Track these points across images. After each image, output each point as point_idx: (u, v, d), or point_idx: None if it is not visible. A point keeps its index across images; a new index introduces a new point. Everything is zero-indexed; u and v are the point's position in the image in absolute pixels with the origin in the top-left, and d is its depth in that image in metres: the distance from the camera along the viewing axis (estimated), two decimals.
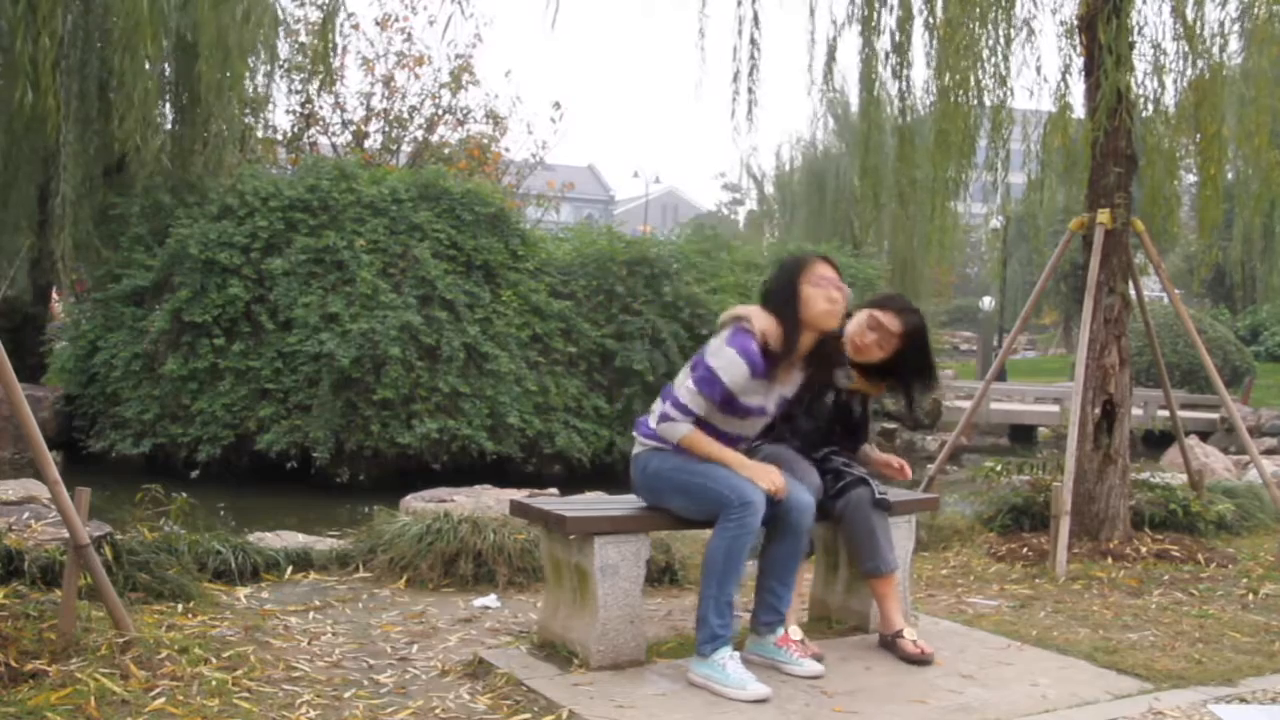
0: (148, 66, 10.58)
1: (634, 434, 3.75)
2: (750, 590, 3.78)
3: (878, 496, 3.80)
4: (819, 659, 3.61)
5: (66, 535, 3.57)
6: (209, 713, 3.06)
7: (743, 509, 3.39)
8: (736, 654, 3.42)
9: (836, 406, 3.93)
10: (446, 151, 18.75)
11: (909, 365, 3.87)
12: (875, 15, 6.16)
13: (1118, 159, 5.97)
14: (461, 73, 19.03)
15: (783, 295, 3.51)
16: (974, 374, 27.94)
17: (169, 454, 10.94)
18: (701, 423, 3.52)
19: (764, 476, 3.46)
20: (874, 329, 3.80)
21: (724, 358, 3.45)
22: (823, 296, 3.48)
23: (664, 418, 3.55)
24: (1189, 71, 6.03)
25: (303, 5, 16.79)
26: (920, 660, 3.69)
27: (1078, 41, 6.12)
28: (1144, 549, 5.78)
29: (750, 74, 6.22)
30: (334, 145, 18.86)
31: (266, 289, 11.05)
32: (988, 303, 34.62)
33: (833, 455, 3.91)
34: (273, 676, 3.43)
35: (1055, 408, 19.21)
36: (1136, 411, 11.90)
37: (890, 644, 3.80)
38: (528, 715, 3.15)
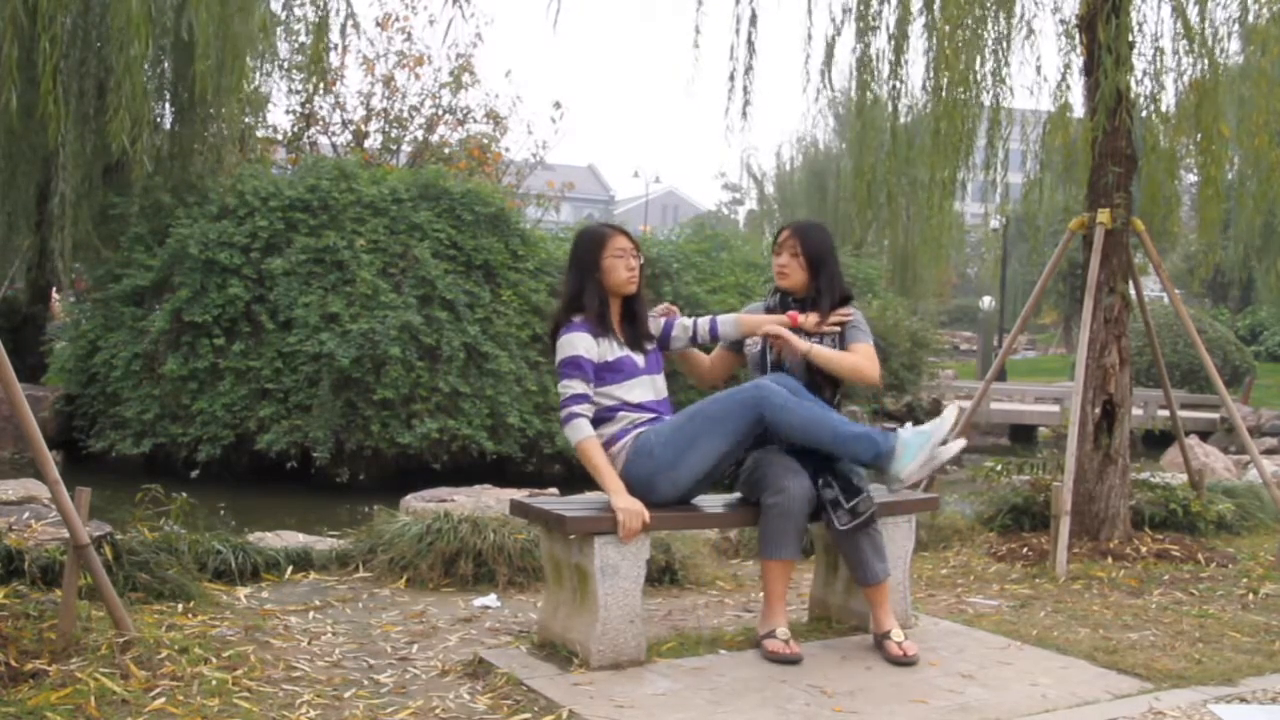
0: (145, 67, 10.54)
1: (610, 451, 3.74)
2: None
3: (860, 510, 3.76)
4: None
5: (66, 535, 3.57)
6: (209, 713, 3.06)
7: (756, 390, 3.66)
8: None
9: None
10: (447, 151, 18.70)
11: (820, 265, 4.02)
12: (873, 12, 6.15)
13: (1117, 159, 5.97)
14: (462, 72, 19.00)
15: (586, 269, 3.80)
16: (974, 374, 27.91)
17: (169, 454, 10.92)
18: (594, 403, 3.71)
19: (626, 512, 3.51)
20: (777, 254, 4.07)
21: (563, 344, 3.73)
22: (623, 266, 3.79)
23: (566, 420, 3.67)
24: (1189, 71, 6.03)
25: (303, 5, 16.77)
26: (902, 662, 3.70)
27: (1078, 41, 6.11)
28: (1144, 549, 5.78)
29: (746, 73, 6.22)
30: (334, 145, 18.82)
31: (266, 289, 11.03)
32: (988, 303, 34.64)
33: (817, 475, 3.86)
34: (273, 676, 3.43)
35: (1055, 408, 19.20)
36: (1136, 411, 11.89)
37: (879, 644, 3.84)
38: (528, 715, 3.15)
